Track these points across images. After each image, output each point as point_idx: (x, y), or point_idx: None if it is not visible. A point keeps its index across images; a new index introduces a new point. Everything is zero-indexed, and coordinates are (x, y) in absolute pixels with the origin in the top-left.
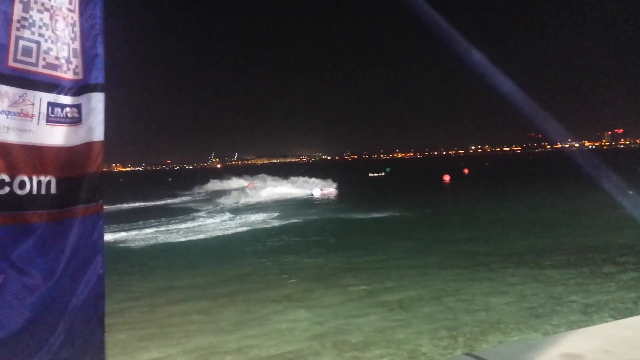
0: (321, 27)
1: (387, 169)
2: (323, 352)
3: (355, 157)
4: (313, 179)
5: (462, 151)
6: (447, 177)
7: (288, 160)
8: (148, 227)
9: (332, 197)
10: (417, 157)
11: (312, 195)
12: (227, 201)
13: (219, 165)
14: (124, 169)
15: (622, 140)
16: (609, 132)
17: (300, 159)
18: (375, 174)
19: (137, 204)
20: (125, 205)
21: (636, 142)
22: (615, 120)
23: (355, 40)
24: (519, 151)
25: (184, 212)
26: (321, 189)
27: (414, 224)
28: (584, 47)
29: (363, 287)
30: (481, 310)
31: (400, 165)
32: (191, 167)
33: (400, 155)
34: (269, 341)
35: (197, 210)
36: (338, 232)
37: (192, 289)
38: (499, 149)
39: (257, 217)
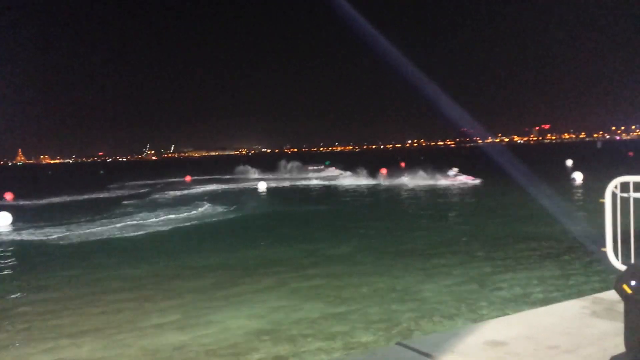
0: (255, 20)
1: (327, 162)
2: (259, 347)
3: (295, 150)
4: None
5: (399, 145)
6: (384, 171)
7: (227, 153)
8: (71, 224)
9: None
10: (356, 150)
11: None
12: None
13: (154, 158)
14: (52, 161)
15: (549, 135)
16: (537, 128)
17: (240, 151)
18: (315, 167)
19: (67, 198)
20: (55, 199)
21: (561, 137)
22: (542, 117)
23: (292, 33)
24: (453, 145)
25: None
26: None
27: (350, 217)
28: (514, 47)
29: (302, 281)
30: (415, 300)
31: (339, 159)
32: (125, 159)
33: (339, 149)
34: (205, 339)
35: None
36: (272, 225)
37: (124, 285)
38: (434, 143)
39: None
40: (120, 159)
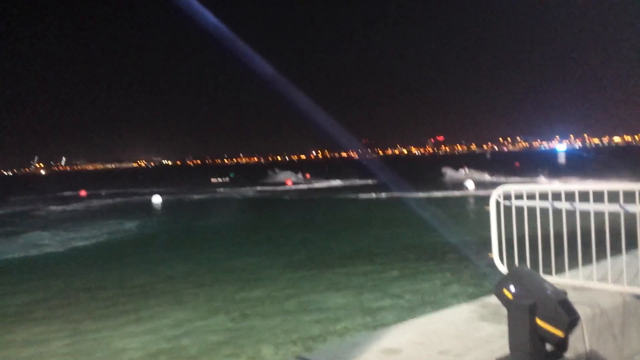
0: (153, 28)
1: (232, 174)
2: None
3: (199, 162)
4: None
5: (304, 156)
6: (289, 182)
7: (124, 165)
8: None
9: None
10: (261, 162)
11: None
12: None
13: (43, 171)
14: None
15: (443, 146)
16: (432, 139)
17: (138, 163)
18: (219, 179)
19: None
20: None
21: (453, 148)
22: (438, 128)
23: (191, 43)
24: (355, 157)
25: None
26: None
27: (254, 229)
28: (413, 60)
29: (200, 296)
30: (318, 310)
31: (244, 170)
32: (10, 172)
33: (244, 160)
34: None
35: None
36: (169, 241)
37: (8, 311)
38: (337, 154)
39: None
40: (6, 173)
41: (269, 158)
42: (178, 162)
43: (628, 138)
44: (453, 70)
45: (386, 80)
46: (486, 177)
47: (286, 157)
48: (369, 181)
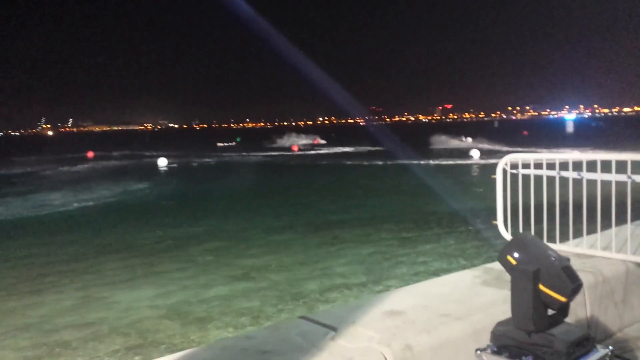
0: None
1: (238, 139)
2: (168, 326)
3: (205, 125)
4: None
5: (310, 122)
6: (296, 147)
7: (131, 128)
8: None
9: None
10: (267, 126)
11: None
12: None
13: (50, 132)
14: None
15: (451, 114)
16: (440, 107)
17: (145, 126)
18: (225, 144)
19: None
20: None
21: (462, 117)
22: (445, 97)
23: (201, 8)
24: (362, 123)
25: None
26: None
27: (262, 195)
28: (422, 27)
29: (209, 258)
30: (323, 275)
31: (251, 135)
32: (17, 133)
33: (250, 125)
34: (111, 316)
35: None
36: (176, 206)
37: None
38: (344, 121)
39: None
40: (13, 133)
41: (276, 123)
42: (184, 126)
43: (638, 108)
44: (464, 38)
45: (396, 48)
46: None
47: (293, 123)
48: (375, 148)
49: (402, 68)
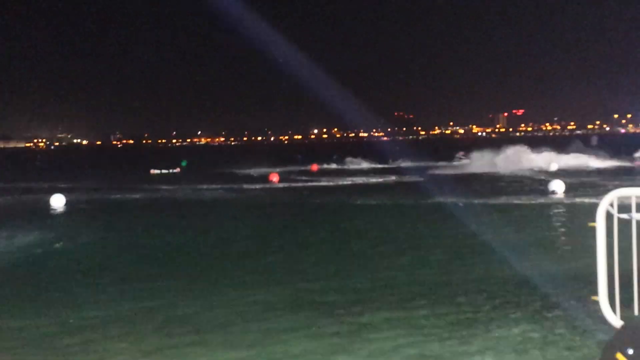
0: None
1: (184, 163)
2: None
3: (130, 142)
4: None
5: (300, 136)
6: (275, 177)
7: (11, 145)
8: None
9: None
10: (231, 143)
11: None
12: None
13: None
14: None
15: (522, 125)
16: (505, 114)
17: (34, 143)
18: (164, 171)
19: None
20: None
21: (540, 128)
22: (515, 99)
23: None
24: (383, 138)
25: None
26: None
27: (223, 257)
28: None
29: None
30: None
31: (205, 155)
32: None
33: (204, 141)
34: None
35: None
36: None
37: None
38: (350, 134)
39: None
40: None
41: (244, 139)
42: (98, 142)
43: None
44: (532, 16)
45: (436, 30)
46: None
47: (271, 138)
48: (395, 177)
49: (444, 58)
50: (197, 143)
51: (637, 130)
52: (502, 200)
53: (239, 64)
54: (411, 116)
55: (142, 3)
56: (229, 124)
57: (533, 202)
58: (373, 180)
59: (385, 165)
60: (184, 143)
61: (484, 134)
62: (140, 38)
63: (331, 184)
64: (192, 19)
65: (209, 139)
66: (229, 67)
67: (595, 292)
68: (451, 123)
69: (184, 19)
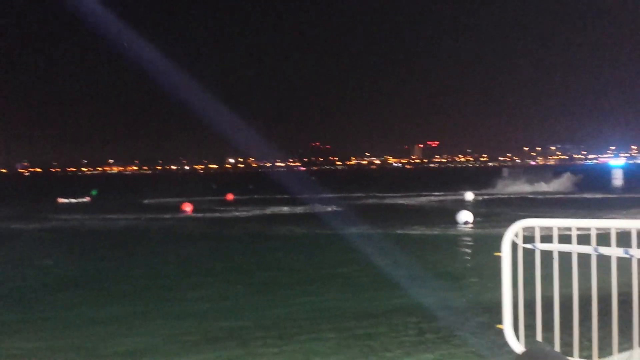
0: None
1: (94, 192)
2: None
3: (38, 170)
4: None
5: (216, 166)
6: (188, 207)
7: None
8: None
9: None
10: (145, 171)
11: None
12: None
13: None
14: None
15: (437, 156)
16: (421, 145)
17: None
18: (73, 200)
19: None
20: None
21: (453, 159)
22: (431, 131)
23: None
24: (300, 168)
25: None
26: None
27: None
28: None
29: None
30: None
31: (117, 184)
32: None
33: (116, 170)
34: None
35: None
36: None
37: None
38: (267, 163)
39: None
40: None
41: (157, 167)
42: (4, 170)
43: None
44: (453, 49)
45: (353, 62)
46: None
47: (186, 167)
48: (309, 207)
49: (362, 90)
50: (109, 172)
51: (547, 162)
52: (414, 230)
53: (154, 92)
54: (328, 147)
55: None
56: (142, 153)
57: (444, 232)
58: (287, 210)
59: (301, 196)
60: (95, 172)
61: (399, 164)
62: (48, 65)
63: (246, 214)
64: (104, 49)
65: (121, 168)
66: (141, 95)
67: (501, 321)
68: (367, 154)
69: (99, 49)
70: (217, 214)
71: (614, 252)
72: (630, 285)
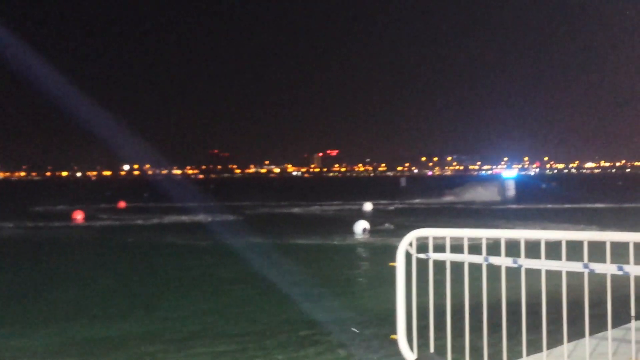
0: None
1: None
2: None
3: None
4: None
5: (110, 172)
6: (79, 215)
7: None
8: None
9: None
10: (33, 177)
11: None
12: None
13: None
14: None
15: (337, 165)
16: (320, 154)
17: None
18: None
19: None
20: None
21: (353, 169)
22: (331, 140)
23: None
24: (201, 176)
25: None
26: None
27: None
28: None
29: None
30: None
31: (2, 190)
32: None
33: (2, 175)
34: None
35: None
36: None
37: None
38: (165, 171)
39: None
40: None
41: (47, 174)
42: None
43: (606, 164)
44: (351, 61)
45: (255, 68)
46: None
47: (78, 174)
48: (205, 216)
49: (261, 97)
50: None
51: (443, 173)
52: (309, 240)
53: (41, 97)
54: (227, 154)
55: None
56: (31, 158)
57: (340, 242)
58: (182, 219)
59: (197, 204)
60: None
61: (299, 173)
62: None
63: (139, 222)
64: None
65: (7, 173)
66: (28, 100)
67: (395, 331)
68: (267, 162)
69: None
70: (107, 222)
71: (504, 261)
72: (519, 294)
